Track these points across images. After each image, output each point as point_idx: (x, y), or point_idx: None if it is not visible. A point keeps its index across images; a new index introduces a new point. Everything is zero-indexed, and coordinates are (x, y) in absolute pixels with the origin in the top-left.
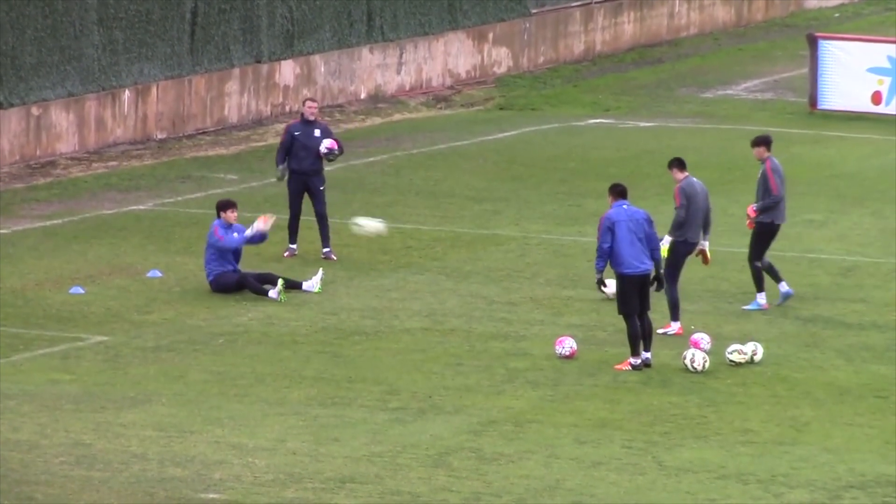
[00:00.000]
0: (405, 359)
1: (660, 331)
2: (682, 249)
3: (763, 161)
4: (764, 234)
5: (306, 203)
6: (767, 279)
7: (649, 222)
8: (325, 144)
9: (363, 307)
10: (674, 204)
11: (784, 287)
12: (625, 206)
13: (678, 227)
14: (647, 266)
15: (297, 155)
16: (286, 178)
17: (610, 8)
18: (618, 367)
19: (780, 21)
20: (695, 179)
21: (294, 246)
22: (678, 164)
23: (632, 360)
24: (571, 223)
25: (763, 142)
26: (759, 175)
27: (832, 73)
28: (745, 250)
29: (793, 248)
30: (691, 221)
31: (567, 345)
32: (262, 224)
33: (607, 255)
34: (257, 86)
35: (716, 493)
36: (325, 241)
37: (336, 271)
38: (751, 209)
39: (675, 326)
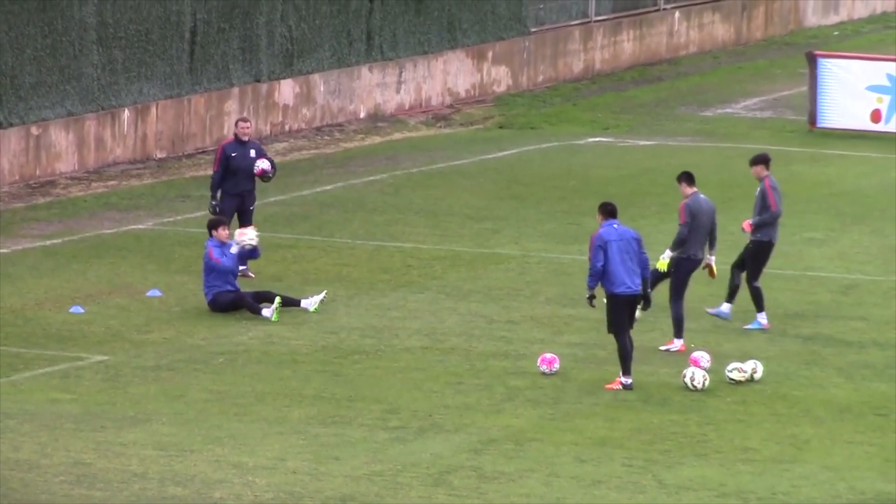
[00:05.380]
0: (405, 378)
1: (662, 347)
2: (685, 266)
3: (761, 179)
4: (761, 253)
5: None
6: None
7: (639, 242)
8: (260, 165)
9: (363, 326)
10: (678, 220)
11: (763, 318)
12: (615, 226)
13: (680, 244)
14: (638, 286)
15: (234, 176)
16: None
17: (609, 26)
18: (609, 386)
19: (779, 39)
20: (702, 196)
21: None
22: (687, 178)
23: (622, 380)
24: (571, 242)
25: (761, 160)
26: (756, 193)
27: (832, 91)
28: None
29: (793, 266)
30: (694, 238)
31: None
32: (239, 237)
33: (600, 273)
34: (257, 105)
35: None
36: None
37: (336, 290)
38: (746, 224)
39: (677, 343)
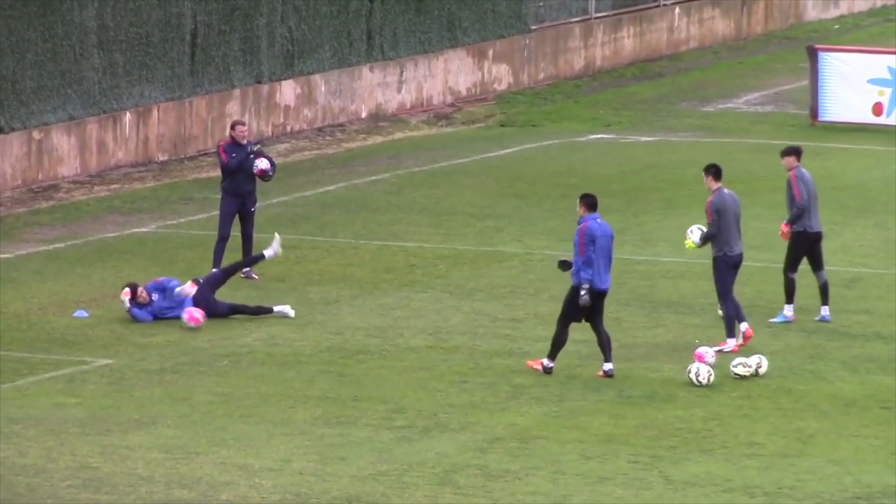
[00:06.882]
0: (410, 377)
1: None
2: (722, 262)
3: (790, 170)
4: (798, 243)
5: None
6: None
7: (612, 239)
8: (260, 165)
9: (367, 326)
10: (706, 219)
11: (789, 311)
12: (598, 221)
13: (711, 240)
14: (608, 283)
15: (233, 177)
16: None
17: (609, 23)
18: (530, 363)
19: (779, 34)
20: (726, 191)
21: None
22: (715, 172)
23: (545, 361)
24: None
25: (791, 152)
26: (786, 185)
27: (833, 84)
28: (752, 263)
29: None
30: (724, 235)
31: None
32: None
33: (593, 263)
34: (258, 106)
35: None
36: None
37: (340, 290)
38: (783, 226)
39: (731, 343)
